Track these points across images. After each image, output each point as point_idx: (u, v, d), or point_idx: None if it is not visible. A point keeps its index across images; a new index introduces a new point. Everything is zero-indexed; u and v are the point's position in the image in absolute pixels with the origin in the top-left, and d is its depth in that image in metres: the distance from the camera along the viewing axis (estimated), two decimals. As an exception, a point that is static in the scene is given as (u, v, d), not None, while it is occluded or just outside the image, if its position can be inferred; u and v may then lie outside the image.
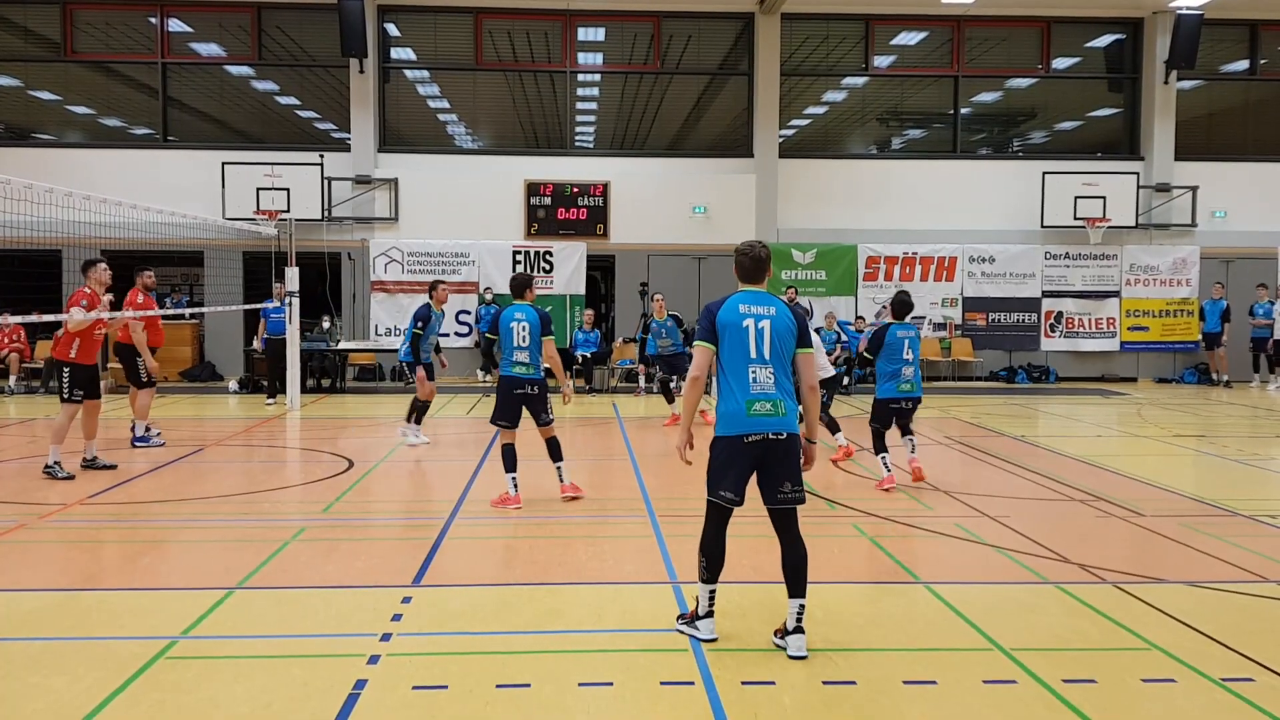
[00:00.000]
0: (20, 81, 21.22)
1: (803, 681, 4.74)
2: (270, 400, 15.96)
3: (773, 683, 4.72)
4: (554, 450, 8.91)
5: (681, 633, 5.39)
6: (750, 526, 7.99)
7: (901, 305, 9.55)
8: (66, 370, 9.86)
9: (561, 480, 8.87)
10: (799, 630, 5.10)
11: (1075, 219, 20.20)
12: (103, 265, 10.56)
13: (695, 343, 5.58)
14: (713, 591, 5.37)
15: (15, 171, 10.73)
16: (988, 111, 22.26)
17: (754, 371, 5.41)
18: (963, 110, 21.50)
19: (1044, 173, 20.37)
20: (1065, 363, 20.98)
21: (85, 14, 20.48)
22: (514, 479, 8.54)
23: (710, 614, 5.33)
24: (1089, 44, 21.74)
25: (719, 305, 5.46)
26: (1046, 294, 20.85)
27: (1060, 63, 21.57)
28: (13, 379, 17.55)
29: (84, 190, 11.39)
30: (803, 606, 5.14)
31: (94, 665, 4.86)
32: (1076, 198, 20.15)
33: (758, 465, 5.42)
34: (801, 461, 5.52)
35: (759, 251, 5.54)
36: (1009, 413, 15.69)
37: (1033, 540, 7.40)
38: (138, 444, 11.54)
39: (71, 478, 9.46)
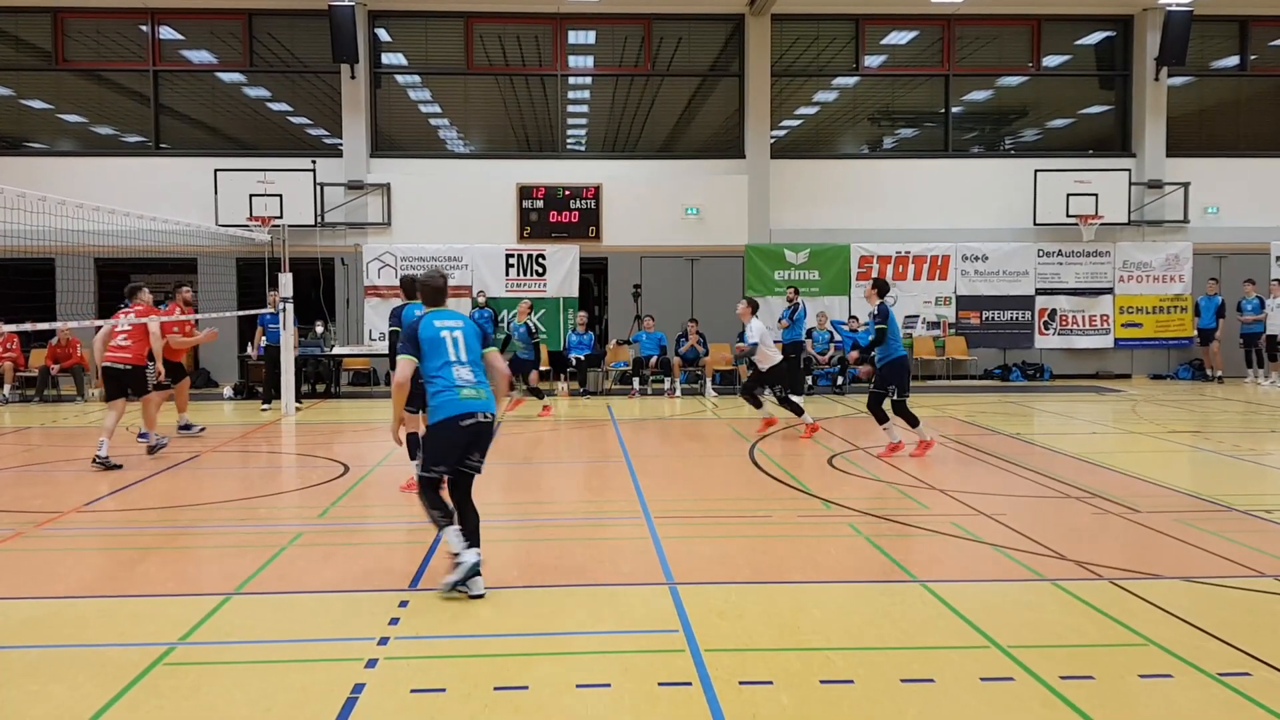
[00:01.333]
0: (12, 90, 21.18)
1: (801, 681, 4.74)
2: (265, 405, 15.97)
3: (770, 682, 4.72)
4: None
5: (456, 590, 5.99)
6: (745, 527, 8.02)
7: (885, 284, 11.61)
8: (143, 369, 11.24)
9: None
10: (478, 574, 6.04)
11: (1068, 216, 20.24)
12: (146, 289, 11.83)
13: (399, 356, 6.44)
14: (459, 531, 6.13)
15: (7, 180, 10.73)
16: (979, 110, 22.29)
17: (458, 370, 6.32)
18: (954, 109, 21.54)
19: (1036, 170, 20.41)
20: (1060, 360, 21.02)
21: (76, 22, 20.46)
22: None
23: (468, 546, 6.08)
24: (1079, 41, 21.80)
25: (416, 326, 6.41)
26: (1040, 292, 20.88)
27: (1051, 60, 21.62)
28: (6, 388, 17.52)
29: (77, 198, 11.36)
30: (479, 553, 6.08)
31: (92, 672, 4.85)
32: (1069, 195, 20.20)
33: (469, 441, 6.28)
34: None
35: (438, 281, 6.70)
36: (1004, 411, 15.72)
37: (1029, 538, 7.41)
38: (142, 439, 11.81)
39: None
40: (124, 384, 11.16)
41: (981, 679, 4.77)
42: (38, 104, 21.47)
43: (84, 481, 9.96)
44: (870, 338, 11.42)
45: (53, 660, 5.06)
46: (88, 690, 4.63)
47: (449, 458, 6.25)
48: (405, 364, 6.39)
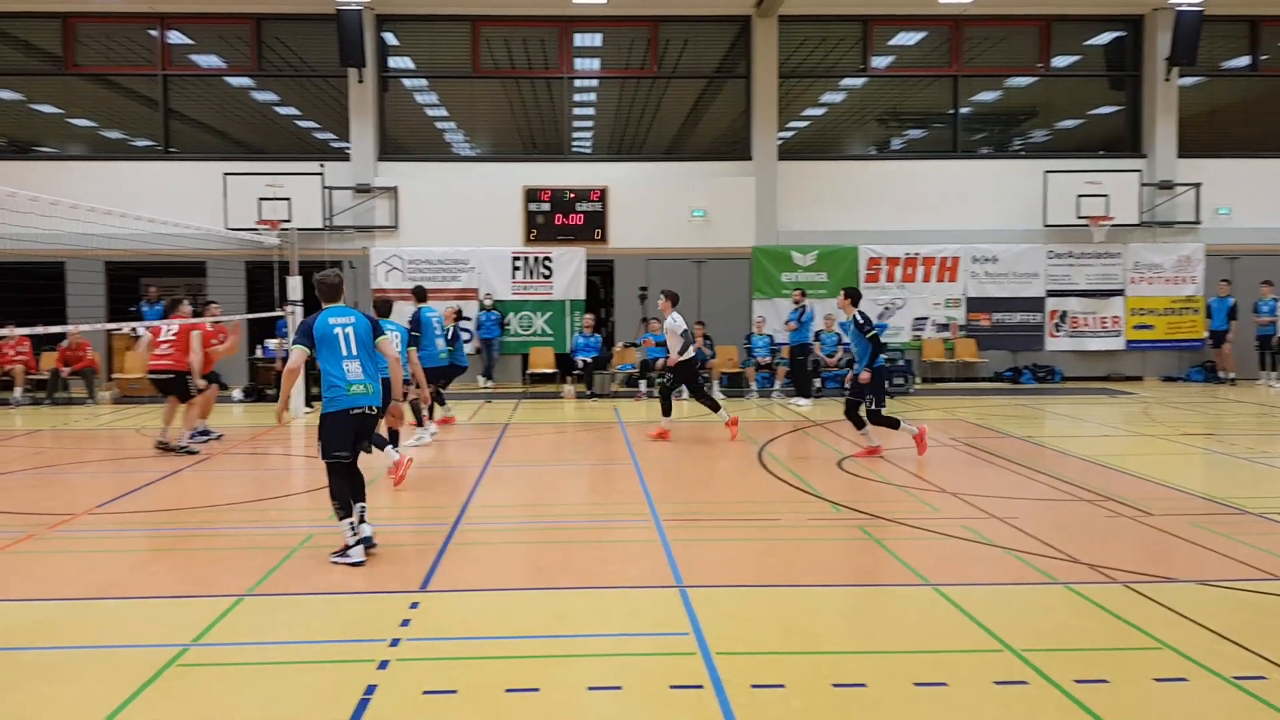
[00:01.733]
0: (22, 95, 21.26)
1: (814, 684, 4.73)
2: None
3: (782, 686, 4.70)
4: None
5: (336, 564, 6.80)
6: (755, 530, 8.00)
7: (858, 293, 11.50)
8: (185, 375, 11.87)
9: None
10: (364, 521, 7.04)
11: (1078, 218, 20.17)
12: (187, 302, 12.69)
13: (293, 346, 7.20)
14: (351, 524, 6.93)
15: (18, 185, 10.77)
16: (988, 111, 22.24)
17: (348, 364, 7.11)
18: (963, 110, 21.50)
19: (1046, 171, 20.35)
20: (1070, 362, 20.95)
21: (86, 27, 20.52)
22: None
23: (358, 544, 6.90)
24: (1089, 42, 21.74)
25: (313, 321, 7.16)
26: (1050, 293, 20.82)
27: (1060, 61, 21.57)
28: (18, 391, 17.57)
29: (87, 203, 11.41)
30: (364, 508, 7.09)
31: (105, 674, 4.87)
32: (1079, 196, 20.13)
33: (357, 430, 7.17)
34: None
35: (334, 279, 7.44)
36: (1015, 413, 15.67)
37: (1041, 541, 7.37)
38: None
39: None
40: (168, 390, 12.00)
41: (995, 683, 4.76)
42: (48, 109, 21.55)
43: (95, 483, 9.99)
44: (869, 349, 11.16)
45: (66, 662, 5.07)
46: (101, 692, 4.63)
47: (345, 444, 7.11)
48: (298, 354, 7.15)
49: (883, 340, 16.78)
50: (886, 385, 11.72)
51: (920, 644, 5.32)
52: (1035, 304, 20.84)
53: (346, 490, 7.03)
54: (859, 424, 11.30)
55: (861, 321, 11.18)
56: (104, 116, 21.71)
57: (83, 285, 18.27)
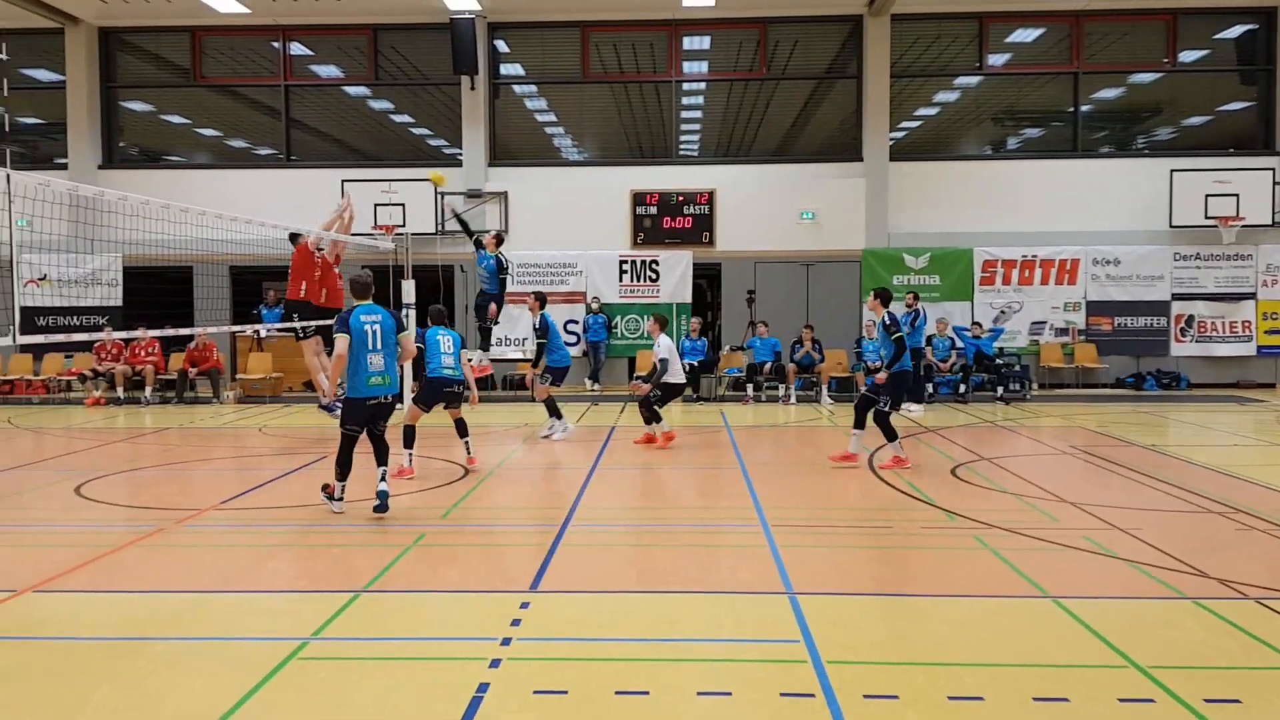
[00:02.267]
0: (153, 106, 22.22)
1: (928, 696, 4.62)
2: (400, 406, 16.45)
3: (896, 697, 4.61)
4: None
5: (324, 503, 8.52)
6: (865, 537, 7.88)
7: (889, 293, 11.42)
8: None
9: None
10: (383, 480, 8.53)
11: (1206, 218, 19.40)
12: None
13: (337, 335, 8.36)
14: (343, 485, 8.53)
15: (149, 193, 11.25)
16: (1110, 108, 21.53)
17: (371, 357, 8.35)
18: (1083, 108, 20.85)
19: (1172, 170, 19.63)
20: (1197, 368, 20.13)
21: (212, 40, 21.35)
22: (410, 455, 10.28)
23: (343, 499, 8.54)
24: (1218, 35, 20.87)
25: (349, 315, 8.38)
26: (1176, 297, 20.06)
27: (1187, 55, 20.77)
28: (148, 390, 18.33)
29: (214, 209, 11.84)
30: (385, 471, 8.63)
31: (230, 665, 5.02)
32: (1207, 196, 19.36)
33: (373, 413, 8.54)
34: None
35: (365, 279, 8.70)
36: (1137, 421, 15.12)
37: (1167, 554, 7.09)
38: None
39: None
40: None
41: (1120, 700, 4.58)
42: (177, 119, 22.48)
43: (219, 480, 10.37)
44: (892, 351, 10.81)
45: (193, 652, 5.26)
46: (226, 683, 4.78)
47: (359, 423, 8.51)
48: (343, 341, 8.29)
49: (909, 345, 16.55)
50: (902, 392, 11.33)
51: (1039, 658, 5.16)
52: (1160, 308, 20.10)
53: (349, 459, 8.51)
54: (860, 423, 10.91)
55: (889, 322, 10.94)
56: (229, 126, 22.56)
57: (209, 289, 19.00)
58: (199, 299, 19.21)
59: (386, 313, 8.55)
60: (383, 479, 8.50)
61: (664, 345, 12.48)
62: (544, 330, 13.31)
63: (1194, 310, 20.06)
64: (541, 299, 13.73)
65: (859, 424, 10.90)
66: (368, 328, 8.38)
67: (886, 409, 10.81)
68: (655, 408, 12.46)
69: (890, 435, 10.74)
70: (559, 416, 13.40)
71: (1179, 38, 20.54)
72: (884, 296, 11.30)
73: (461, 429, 10.85)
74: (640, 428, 13.15)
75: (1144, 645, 5.26)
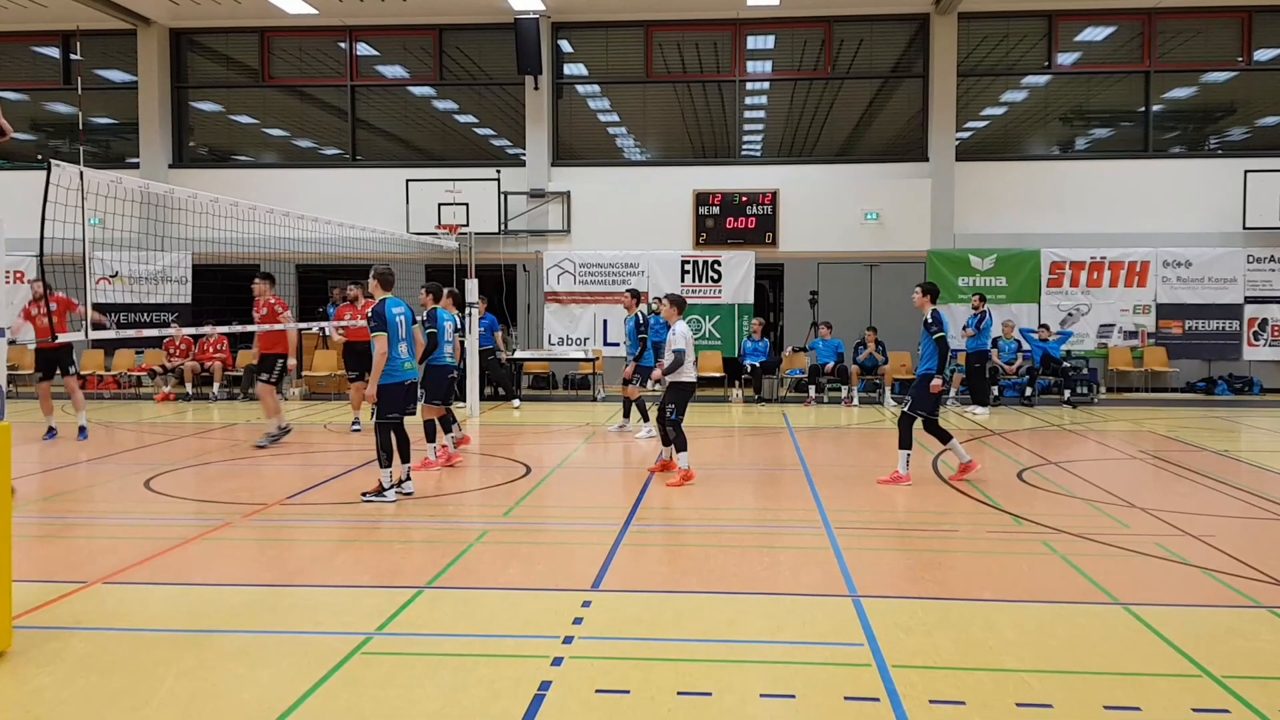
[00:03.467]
0: (222, 107, 22.65)
1: (996, 702, 4.54)
2: (516, 406, 16.95)
3: (963, 703, 4.53)
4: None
5: (371, 501, 8.87)
6: (930, 541, 7.77)
7: (935, 287, 10.50)
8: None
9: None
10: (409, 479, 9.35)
11: (1281, 219, 18.89)
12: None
13: (377, 333, 8.89)
14: (390, 472, 9.00)
15: (217, 192, 11.45)
16: (1182, 108, 21.04)
17: (402, 345, 9.12)
18: (1155, 107, 20.40)
19: (1246, 171, 19.13)
20: (1271, 373, 19.61)
21: (281, 40, 21.71)
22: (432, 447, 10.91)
23: (393, 488, 9.04)
24: (1296, 32, 20.31)
25: (382, 309, 8.99)
26: (1249, 300, 19.55)
27: (1263, 54, 20.20)
28: (216, 386, 18.67)
29: (281, 208, 12.03)
30: (409, 468, 9.43)
31: (296, 658, 5.09)
32: (1282, 197, 18.85)
33: (406, 397, 9.19)
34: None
35: (389, 271, 9.43)
36: (1209, 426, 14.76)
37: (1242, 561, 6.91)
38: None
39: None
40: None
41: (1194, 710, 4.47)
42: (245, 119, 22.88)
43: (285, 476, 10.52)
44: (933, 351, 9.98)
45: (260, 645, 5.33)
46: (292, 676, 4.85)
47: (399, 408, 9.04)
48: (384, 339, 8.87)
49: (974, 347, 16.23)
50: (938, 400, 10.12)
51: (1110, 665, 5.04)
52: (1232, 311, 19.60)
53: (393, 443, 8.99)
54: (906, 442, 10.03)
55: (930, 320, 10.08)
56: (296, 126, 22.92)
57: (276, 287, 19.27)
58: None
59: (406, 305, 9.42)
60: (408, 477, 9.33)
61: (680, 334, 10.18)
62: (646, 327, 13.46)
63: (1268, 314, 19.53)
64: (637, 295, 13.83)
65: (905, 443, 10.02)
66: (399, 319, 9.13)
67: (910, 411, 10.02)
68: (678, 425, 10.07)
69: (943, 437, 10.16)
70: (646, 418, 13.60)
71: (1254, 35, 19.99)
72: (931, 291, 10.31)
73: (450, 420, 11.28)
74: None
75: (1218, 654, 5.13)
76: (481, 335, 16.51)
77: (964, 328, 17.06)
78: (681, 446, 9.99)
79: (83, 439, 12.88)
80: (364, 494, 9.03)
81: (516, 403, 16.99)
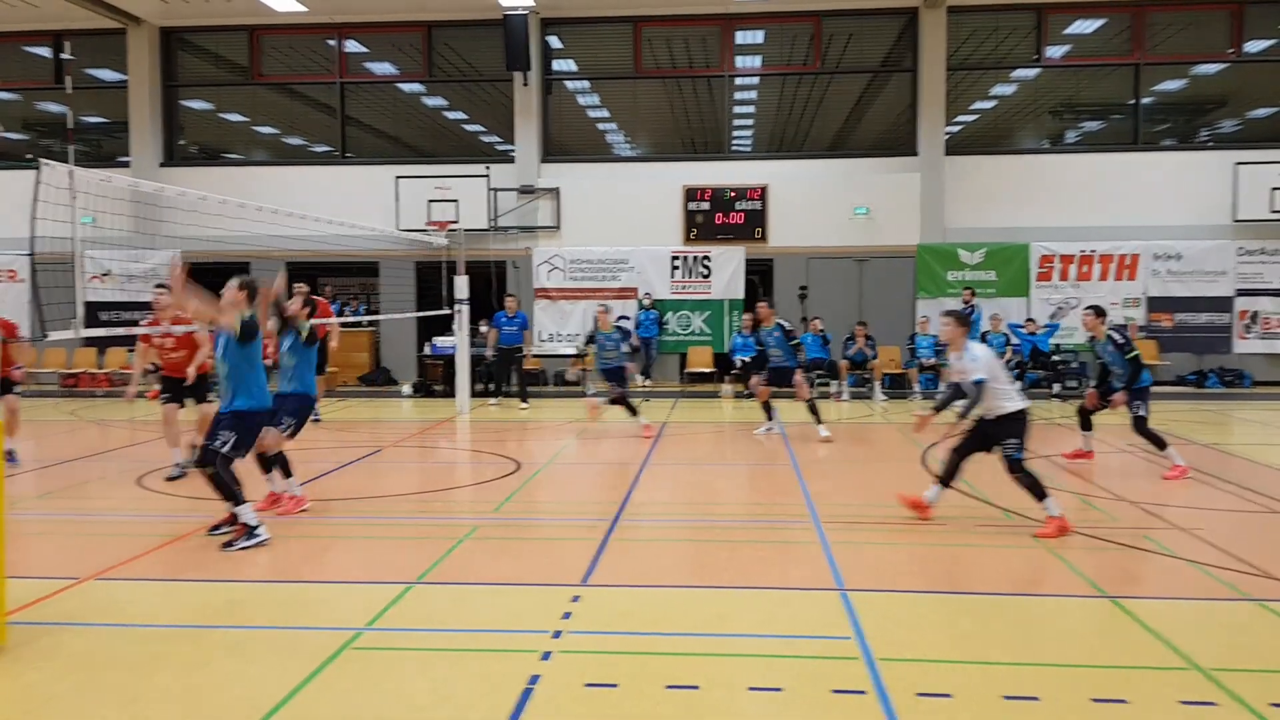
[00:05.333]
0: (212, 104, 22.59)
1: (983, 695, 4.56)
2: (524, 405, 16.61)
3: (950, 695, 4.56)
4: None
5: (245, 548, 7.09)
6: (919, 535, 7.79)
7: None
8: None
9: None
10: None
11: (1272, 212, 18.91)
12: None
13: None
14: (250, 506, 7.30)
15: (207, 190, 11.42)
16: (1172, 100, 21.08)
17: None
18: (1144, 100, 20.44)
19: (1236, 163, 19.17)
20: (1262, 366, 19.66)
21: (271, 39, 21.64)
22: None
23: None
24: (1285, 25, 20.36)
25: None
26: (1240, 292, 19.58)
27: (1254, 46, 20.23)
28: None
29: (270, 206, 12.01)
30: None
31: (287, 653, 5.10)
32: (1273, 189, 18.86)
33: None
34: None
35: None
36: (1199, 419, 14.82)
37: (1231, 554, 6.94)
38: None
39: None
40: None
41: (1181, 702, 4.49)
42: (235, 117, 22.82)
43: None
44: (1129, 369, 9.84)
45: (251, 641, 5.34)
46: (283, 670, 4.86)
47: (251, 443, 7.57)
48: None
49: (1054, 341, 16.12)
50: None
51: (1097, 658, 5.07)
52: (1223, 304, 19.64)
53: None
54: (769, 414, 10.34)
55: (1121, 341, 9.87)
56: (286, 123, 22.86)
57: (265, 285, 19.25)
58: (257, 294, 19.49)
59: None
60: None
61: (982, 357, 7.77)
62: (789, 335, 13.25)
63: (1259, 306, 19.58)
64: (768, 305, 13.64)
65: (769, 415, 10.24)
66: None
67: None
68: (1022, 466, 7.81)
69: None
70: (770, 415, 13.54)
71: (1245, 27, 20.03)
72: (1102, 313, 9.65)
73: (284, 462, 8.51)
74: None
75: (1206, 647, 5.16)
76: (511, 334, 16.57)
77: None
78: (1040, 492, 7.69)
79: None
80: (226, 543, 7.22)
81: (524, 404, 16.75)
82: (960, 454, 8.04)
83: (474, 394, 16.90)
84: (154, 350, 10.43)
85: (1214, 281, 19.60)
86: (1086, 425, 10.93)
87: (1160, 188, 19.83)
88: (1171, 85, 20.90)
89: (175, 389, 10.35)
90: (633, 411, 13.45)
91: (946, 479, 8.07)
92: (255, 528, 7.20)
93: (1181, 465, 9.99)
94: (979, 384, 7.64)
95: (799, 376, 13.11)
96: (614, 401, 13.56)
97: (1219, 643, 5.28)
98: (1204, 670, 4.83)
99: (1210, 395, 18.35)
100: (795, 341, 13.18)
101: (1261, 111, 21.05)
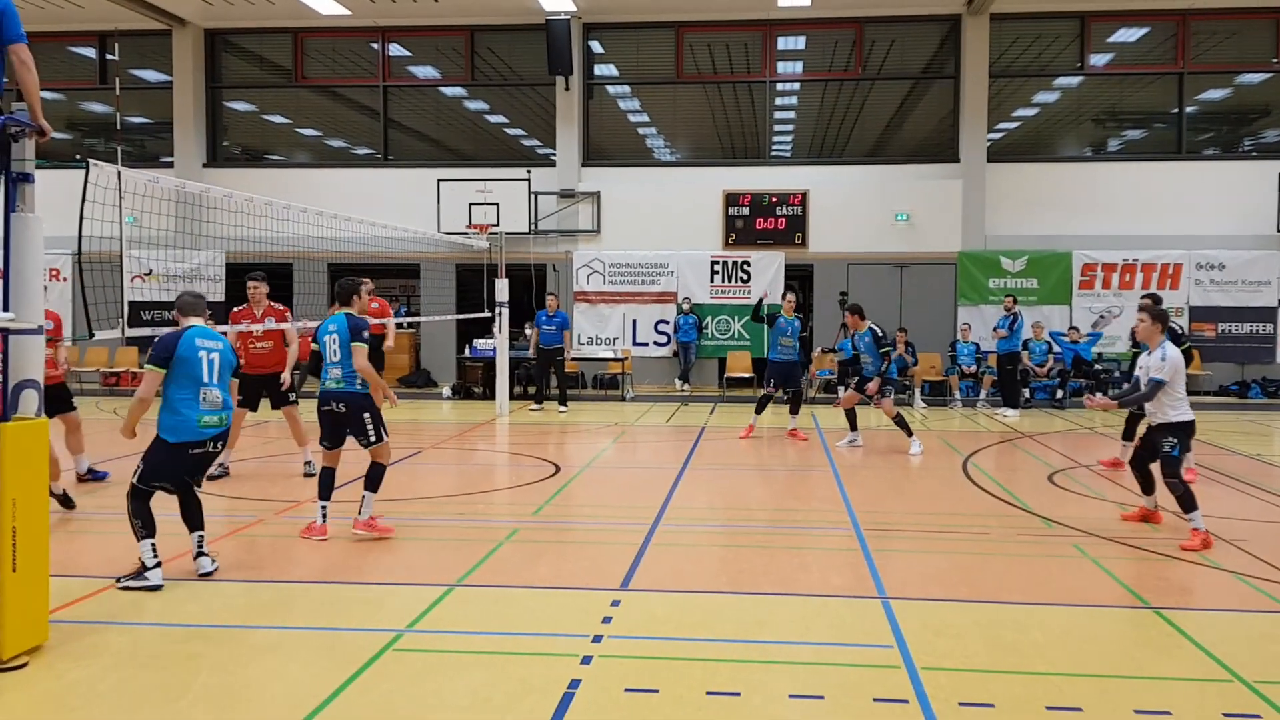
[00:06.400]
0: (255, 107, 22.87)
1: (1025, 705, 4.54)
2: (563, 408, 16.63)
3: (992, 705, 4.54)
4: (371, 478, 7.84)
5: (130, 588, 6.21)
6: (960, 543, 7.75)
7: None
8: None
9: (359, 513, 7.76)
10: (203, 554, 6.66)
11: (1317, 222, 18.68)
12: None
13: (148, 368, 6.56)
14: (153, 545, 6.34)
15: (250, 191, 11.55)
16: (1216, 109, 20.82)
17: (205, 393, 6.65)
18: (1188, 109, 20.20)
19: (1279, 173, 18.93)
20: (1307, 377, 19.39)
21: (314, 41, 21.89)
22: (324, 508, 7.76)
23: (158, 565, 6.32)
24: (1334, 33, 20.05)
25: (176, 340, 6.59)
26: (1284, 303, 19.34)
27: (1298, 55, 19.98)
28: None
29: (313, 207, 12.13)
30: (202, 538, 6.70)
31: (327, 654, 5.15)
32: (1318, 199, 18.63)
33: (195, 465, 6.73)
34: None
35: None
36: (1242, 430, 14.62)
37: (1274, 566, 6.86)
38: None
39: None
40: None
41: (1224, 715, 4.45)
42: (278, 119, 23.08)
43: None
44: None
45: (292, 641, 5.41)
46: (323, 671, 4.91)
47: (173, 476, 6.61)
48: (154, 378, 6.54)
49: (1006, 349, 15.91)
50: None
51: (1140, 669, 5.03)
52: (1266, 314, 19.38)
53: (149, 506, 6.54)
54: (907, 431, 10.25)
55: (881, 334, 10.36)
56: (329, 126, 23.10)
57: (308, 285, 19.44)
58: (299, 295, 19.67)
59: (226, 340, 6.92)
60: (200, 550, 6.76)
61: (1171, 361, 7.71)
62: (880, 341, 12.51)
63: (1304, 317, 19.33)
64: (858, 311, 12.91)
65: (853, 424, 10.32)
66: (202, 355, 6.62)
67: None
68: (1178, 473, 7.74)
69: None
70: (854, 427, 12.97)
71: (1291, 35, 19.78)
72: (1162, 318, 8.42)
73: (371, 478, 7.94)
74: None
75: (1250, 659, 5.10)
76: (550, 334, 16.63)
77: (995, 329, 16.98)
78: (1190, 504, 7.55)
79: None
80: (119, 579, 6.40)
81: (563, 407, 16.77)
82: (1141, 464, 8.20)
83: (512, 396, 16.98)
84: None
85: (1258, 291, 19.36)
86: (1129, 435, 10.76)
87: (1203, 197, 19.62)
88: (1215, 94, 20.66)
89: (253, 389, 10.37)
90: None
91: (1146, 490, 8.27)
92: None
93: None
94: (1156, 383, 7.70)
95: (872, 386, 12.44)
96: None
97: (1263, 654, 5.22)
98: (1247, 682, 4.78)
99: (1253, 406, 18.09)
100: (885, 349, 12.47)
101: (1308, 120, 20.76)
